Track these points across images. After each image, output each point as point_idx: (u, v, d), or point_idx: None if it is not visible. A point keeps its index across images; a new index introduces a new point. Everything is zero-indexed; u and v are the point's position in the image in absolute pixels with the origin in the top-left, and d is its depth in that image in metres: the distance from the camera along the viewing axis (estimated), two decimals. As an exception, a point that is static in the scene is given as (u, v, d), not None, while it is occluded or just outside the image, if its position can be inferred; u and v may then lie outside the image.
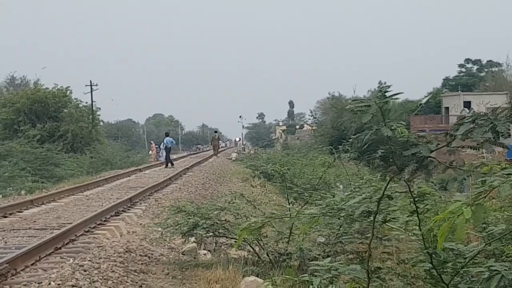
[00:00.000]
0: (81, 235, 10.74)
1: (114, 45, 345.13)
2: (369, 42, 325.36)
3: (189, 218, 8.94)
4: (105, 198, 16.86)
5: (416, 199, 4.52)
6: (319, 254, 7.66)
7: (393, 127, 4.05)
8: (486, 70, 74.01)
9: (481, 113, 3.92)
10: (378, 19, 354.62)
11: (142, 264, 8.83)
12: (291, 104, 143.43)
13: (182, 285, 7.83)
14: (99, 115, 58.89)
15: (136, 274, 8.19)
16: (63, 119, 51.64)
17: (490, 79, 67.81)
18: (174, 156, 50.53)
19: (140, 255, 9.37)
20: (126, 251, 9.29)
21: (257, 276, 7.31)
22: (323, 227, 8.03)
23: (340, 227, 7.78)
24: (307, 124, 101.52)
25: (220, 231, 8.98)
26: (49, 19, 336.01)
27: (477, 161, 4.36)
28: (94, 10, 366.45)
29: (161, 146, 34.00)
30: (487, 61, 75.24)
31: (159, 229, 10.85)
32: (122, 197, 16.39)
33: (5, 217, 13.60)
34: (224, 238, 9.79)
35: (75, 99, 55.92)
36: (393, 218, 5.23)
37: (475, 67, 75.43)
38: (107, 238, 10.64)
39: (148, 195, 17.72)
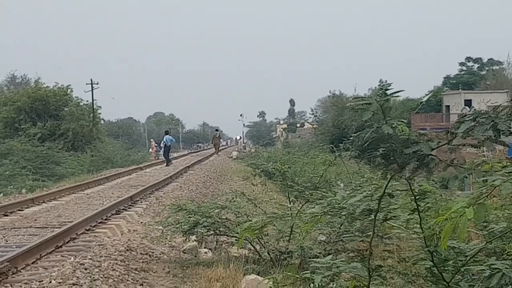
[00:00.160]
0: (82, 233, 10.73)
1: (115, 44, 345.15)
2: (370, 41, 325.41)
3: (190, 217, 8.94)
4: (106, 197, 16.86)
5: (417, 197, 4.52)
6: (320, 253, 7.66)
7: (393, 125, 4.04)
8: (487, 68, 73.95)
9: (482, 111, 3.91)
10: (379, 19, 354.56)
11: (143, 262, 8.83)
12: (292, 102, 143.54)
13: (183, 283, 7.83)
14: (100, 113, 58.93)
15: (137, 272, 8.19)
16: (64, 117, 51.66)
17: (491, 77, 67.76)
18: (175, 155, 50.60)
19: (141, 253, 9.37)
20: (127, 250, 9.29)
21: (258, 275, 7.31)
22: (324, 226, 8.03)
23: (341, 225, 7.79)
24: (308, 122, 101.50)
25: (221, 229, 8.98)
26: (49, 19, 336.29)
27: (478, 159, 4.35)
28: (94, 10, 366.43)
29: (161, 145, 34.01)
30: (488, 60, 75.19)
31: (160, 227, 10.86)
32: (123, 195, 16.38)
33: (6, 215, 13.60)
34: (225, 236, 9.80)
35: (76, 97, 56.02)
36: (394, 216, 5.23)
37: (476, 65, 75.33)
38: (108, 237, 10.64)
39: (149, 193, 17.72)
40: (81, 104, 55.87)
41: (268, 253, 8.25)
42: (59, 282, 7.10)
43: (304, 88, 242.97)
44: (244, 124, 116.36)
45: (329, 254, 7.17)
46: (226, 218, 9.07)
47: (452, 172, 4.08)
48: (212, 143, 52.45)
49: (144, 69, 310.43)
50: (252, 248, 8.66)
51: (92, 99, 57.09)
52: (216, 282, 7.55)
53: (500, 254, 4.81)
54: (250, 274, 7.29)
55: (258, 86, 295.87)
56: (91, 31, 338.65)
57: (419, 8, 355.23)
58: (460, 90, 61.87)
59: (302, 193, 10.69)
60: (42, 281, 7.26)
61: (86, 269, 7.69)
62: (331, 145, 13.02)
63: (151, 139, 61.08)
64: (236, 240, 9.18)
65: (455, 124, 4.01)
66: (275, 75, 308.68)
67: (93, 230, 11.23)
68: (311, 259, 6.40)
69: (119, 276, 7.71)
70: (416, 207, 4.56)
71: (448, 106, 59.34)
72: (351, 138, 4.61)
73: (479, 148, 4.11)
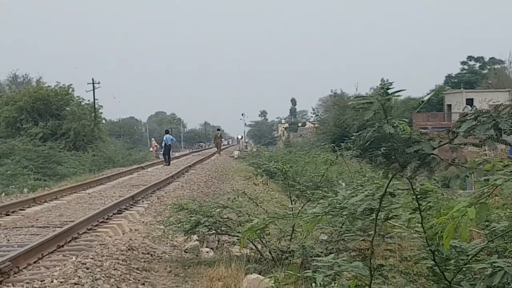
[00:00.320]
0: (83, 233, 10.74)
1: (116, 44, 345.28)
2: (371, 40, 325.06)
3: (191, 216, 8.95)
4: (107, 196, 16.86)
5: (418, 197, 4.51)
6: (321, 252, 7.65)
7: (395, 124, 4.04)
8: (488, 67, 73.88)
9: (484, 110, 3.91)
10: (380, 18, 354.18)
11: (144, 262, 8.83)
12: (293, 101, 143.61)
13: (184, 282, 7.83)
14: (101, 113, 59.06)
15: (138, 271, 8.20)
16: (65, 117, 51.73)
17: (493, 76, 67.69)
18: (176, 154, 50.65)
19: (143, 253, 9.38)
20: (129, 249, 9.30)
21: (260, 274, 7.30)
22: (326, 225, 8.03)
23: (343, 224, 7.78)
24: (309, 121, 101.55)
25: (223, 229, 8.98)
26: (49, 19, 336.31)
27: (480, 158, 4.35)
28: (94, 10, 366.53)
29: (162, 144, 34.06)
30: (490, 59, 75.13)
31: (162, 227, 10.86)
32: (124, 195, 16.38)
33: (8, 215, 13.61)
34: (227, 235, 9.79)
35: (77, 97, 56.08)
36: (396, 216, 5.23)
37: (478, 64, 75.28)
38: (109, 236, 10.65)
39: (151, 193, 17.72)
40: (83, 103, 55.93)
41: (270, 252, 8.25)
42: (61, 282, 7.11)
43: (305, 87, 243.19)
44: (245, 124, 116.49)
45: (330, 253, 7.16)
46: (228, 218, 9.07)
47: (454, 171, 4.08)
48: (214, 142, 52.44)
49: (146, 68, 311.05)
50: (254, 247, 8.66)
51: (94, 99, 57.24)
52: (217, 282, 7.54)
53: (502, 253, 4.80)
54: (251, 274, 7.28)
55: (259, 85, 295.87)
56: (92, 31, 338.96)
57: (420, 7, 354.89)
58: (461, 89, 61.82)
59: (304, 192, 10.69)
60: (44, 280, 7.27)
61: (87, 268, 7.70)
62: (333, 145, 13.01)
63: (152, 138, 61.13)
64: (237, 239, 9.19)
65: (457, 123, 4.00)
66: (277, 74, 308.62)
67: (95, 229, 11.24)
68: (313, 258, 6.40)
69: (120, 275, 7.72)
70: (417, 206, 4.55)
71: (449, 105, 59.30)
72: (352, 137, 4.61)
73: (481, 147, 4.10)
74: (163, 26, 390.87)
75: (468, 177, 4.01)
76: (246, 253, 8.78)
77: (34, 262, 8.47)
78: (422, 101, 59.14)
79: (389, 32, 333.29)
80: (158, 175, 24.31)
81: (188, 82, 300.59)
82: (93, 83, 57.95)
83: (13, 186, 29.65)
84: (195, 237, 9.89)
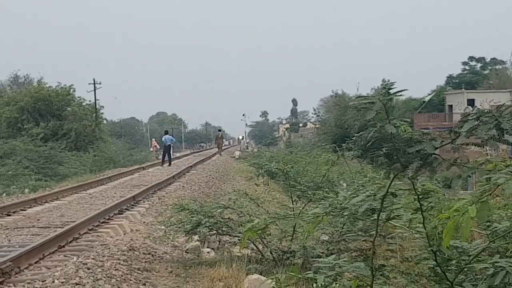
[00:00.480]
0: (84, 233, 10.75)
1: (117, 44, 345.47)
2: (372, 40, 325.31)
3: (192, 216, 8.94)
4: (108, 197, 16.87)
5: (420, 197, 4.50)
6: (322, 252, 7.65)
7: (397, 125, 4.03)
8: (489, 68, 73.80)
9: (486, 110, 3.90)
10: (381, 18, 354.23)
11: (145, 262, 8.83)
12: (294, 102, 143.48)
13: (185, 283, 7.83)
14: (102, 113, 59.12)
15: (139, 272, 8.19)
16: (66, 117, 51.77)
17: (494, 77, 67.62)
18: (178, 154, 50.66)
19: (144, 253, 9.37)
20: (130, 249, 9.30)
21: (261, 274, 7.30)
22: (327, 225, 8.02)
23: (344, 225, 7.78)
24: (311, 122, 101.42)
25: (224, 229, 8.97)
26: (49, 19, 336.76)
27: (481, 158, 4.34)
28: (95, 11, 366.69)
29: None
30: (491, 59, 75.06)
31: (163, 227, 10.86)
32: (125, 195, 16.39)
33: (9, 215, 13.62)
34: (228, 236, 9.79)
35: (78, 97, 56.13)
36: (397, 216, 5.22)
37: (479, 65, 75.19)
38: (110, 236, 10.65)
39: (152, 193, 17.73)
40: (84, 104, 55.93)
41: (271, 253, 8.24)
42: (62, 282, 7.11)
43: (306, 87, 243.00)
44: (246, 124, 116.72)
45: (332, 253, 7.16)
46: (229, 218, 9.07)
47: (455, 172, 4.07)
48: (215, 143, 52.41)
49: (146, 69, 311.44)
50: (255, 247, 8.65)
51: (95, 99, 57.28)
52: (218, 282, 7.54)
53: (503, 253, 4.79)
54: (252, 274, 7.28)
55: (260, 86, 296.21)
56: (92, 31, 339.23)
57: (421, 7, 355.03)
58: (463, 89, 61.74)
59: (305, 192, 10.68)
60: (45, 280, 7.27)
61: (89, 268, 7.70)
62: (334, 145, 12.98)
63: (153, 139, 61.17)
64: (238, 239, 9.18)
65: (459, 123, 4.00)
66: (278, 75, 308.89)
67: (96, 230, 11.24)
68: (314, 260, 6.39)
69: (122, 275, 7.71)
70: (419, 206, 4.55)
71: (451, 106, 59.24)
72: (353, 137, 4.60)
73: (483, 147, 4.09)
74: (164, 26, 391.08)
75: (470, 177, 4.00)
76: (247, 254, 8.77)
77: (35, 262, 8.48)
78: (423, 102, 59.13)
79: (390, 32, 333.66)
80: (159, 176, 24.32)
81: (189, 82, 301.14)
82: (94, 84, 58.02)
83: (14, 186, 29.67)
84: (196, 237, 9.89)
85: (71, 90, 54.99)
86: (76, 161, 42.40)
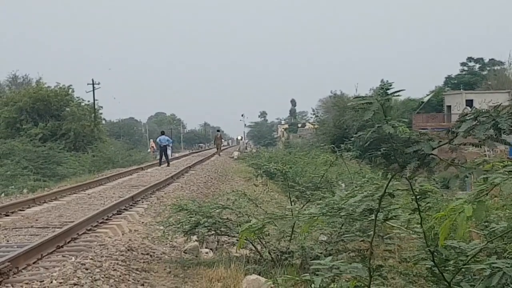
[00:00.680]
0: (83, 233, 10.74)
1: (116, 44, 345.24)
2: (371, 41, 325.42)
3: (191, 217, 8.95)
4: (107, 197, 16.87)
5: (417, 197, 4.51)
6: (321, 253, 7.65)
7: (394, 125, 4.03)
8: (488, 68, 73.83)
9: (483, 110, 3.90)
10: (380, 19, 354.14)
11: (144, 262, 8.83)
12: (293, 102, 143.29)
13: (184, 283, 7.83)
14: (101, 113, 59.07)
15: (138, 272, 8.19)
16: (65, 117, 51.73)
17: (492, 77, 67.65)
18: (176, 155, 50.69)
19: (142, 253, 9.38)
20: (128, 250, 9.30)
21: (259, 275, 7.31)
22: (325, 226, 8.02)
23: (342, 225, 7.78)
24: (309, 122, 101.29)
25: (222, 229, 8.98)
26: (49, 18, 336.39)
27: (479, 159, 4.34)
28: (96, 11, 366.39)
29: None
30: (489, 60, 75.08)
31: (161, 227, 10.86)
32: (124, 195, 16.38)
33: (7, 215, 13.61)
34: (226, 236, 9.80)
35: (77, 97, 56.09)
36: (395, 216, 5.22)
37: (477, 65, 75.21)
38: (109, 237, 10.64)
39: (150, 193, 17.72)
40: (83, 104, 55.89)
41: (269, 253, 8.25)
42: (60, 282, 7.11)
43: (305, 88, 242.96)
44: (245, 124, 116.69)
45: (330, 254, 7.17)
46: (227, 218, 9.07)
47: (453, 172, 4.07)
48: (214, 143, 52.33)
49: (145, 69, 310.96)
50: (253, 248, 8.66)
51: (94, 99, 57.23)
52: (217, 282, 7.55)
53: (501, 254, 4.80)
54: (251, 274, 7.29)
55: (259, 86, 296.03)
56: (92, 32, 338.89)
57: (419, 8, 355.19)
58: (461, 90, 61.76)
59: (303, 193, 10.69)
60: (43, 281, 7.27)
61: (87, 269, 7.70)
62: (332, 145, 12.99)
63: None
64: (237, 240, 9.17)
65: (456, 123, 4.00)
66: (277, 75, 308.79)
67: (94, 230, 11.24)
68: (312, 262, 6.40)
69: (120, 276, 7.71)
70: (417, 206, 4.55)
71: (449, 106, 59.27)
72: (352, 138, 4.60)
73: (480, 147, 4.09)
74: (163, 26, 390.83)
75: (467, 177, 4.01)
76: (246, 254, 8.78)
77: (34, 263, 8.47)
78: (422, 102, 59.17)
79: (389, 33, 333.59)
80: (158, 176, 24.31)
81: (188, 82, 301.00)
82: (93, 84, 57.97)
83: (13, 186, 29.65)
84: (194, 237, 9.89)
85: (70, 90, 54.99)
86: (75, 162, 42.38)
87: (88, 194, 18.01)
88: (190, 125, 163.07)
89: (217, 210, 8.94)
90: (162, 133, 33.96)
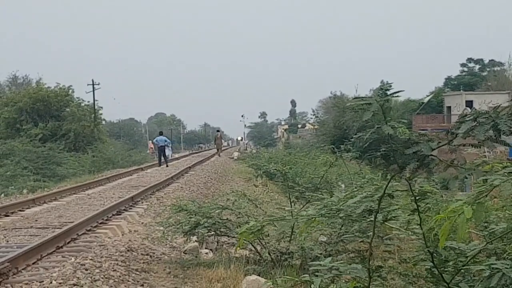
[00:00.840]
0: (82, 234, 10.74)
1: (116, 45, 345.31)
2: (371, 42, 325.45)
3: (190, 217, 8.95)
4: (107, 197, 16.86)
5: (417, 198, 4.51)
6: (320, 253, 7.65)
7: (394, 126, 4.04)
8: (488, 69, 73.79)
9: (483, 111, 3.91)
10: (380, 19, 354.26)
11: (143, 263, 8.83)
12: (293, 103, 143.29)
13: (183, 284, 7.83)
14: (101, 114, 59.05)
15: (137, 273, 8.19)
16: (65, 118, 51.75)
17: (492, 78, 67.62)
18: (176, 155, 50.66)
19: (142, 254, 9.37)
20: (128, 250, 9.30)
21: (259, 275, 7.31)
22: (325, 226, 8.03)
23: (342, 226, 7.78)
24: (309, 123, 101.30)
25: (222, 230, 8.98)
26: (49, 18, 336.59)
27: (479, 160, 4.35)
28: (96, 12, 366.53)
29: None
30: (489, 61, 75.04)
31: (161, 228, 10.86)
32: (124, 196, 16.38)
33: (7, 216, 13.61)
34: (226, 237, 9.80)
35: (77, 98, 56.10)
36: (394, 217, 5.23)
37: (477, 66, 75.19)
38: (108, 237, 10.64)
39: (150, 194, 17.72)
40: (83, 104, 55.91)
41: (269, 254, 8.25)
42: (60, 283, 7.11)
43: (305, 88, 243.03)
44: (245, 125, 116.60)
45: (329, 255, 7.17)
46: (227, 219, 9.07)
47: (453, 173, 4.07)
48: (214, 143, 52.20)
49: (145, 70, 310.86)
50: (253, 248, 8.66)
51: (94, 100, 57.24)
52: (217, 283, 7.55)
53: (500, 255, 4.80)
54: (251, 275, 7.29)
55: (259, 86, 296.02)
56: (92, 33, 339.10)
57: (419, 9, 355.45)
58: (461, 91, 61.76)
59: (303, 194, 10.68)
60: (43, 281, 7.26)
61: (86, 269, 7.69)
62: (332, 146, 12.99)
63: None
64: (237, 240, 9.18)
65: (456, 124, 4.00)
66: (277, 75, 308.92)
67: (94, 230, 11.23)
68: (312, 263, 6.40)
69: (120, 276, 7.71)
70: (416, 207, 4.55)
71: (449, 107, 59.24)
72: (352, 139, 4.60)
73: (480, 147, 4.10)
74: (164, 26, 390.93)
75: (467, 178, 4.01)
76: (246, 255, 8.78)
77: (33, 263, 8.46)
78: (422, 103, 59.16)
79: (389, 34, 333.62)
80: (158, 176, 24.31)
81: (188, 82, 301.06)
82: (93, 84, 57.98)
83: (13, 187, 29.67)
84: (194, 238, 9.89)
85: (70, 90, 55.02)
86: (75, 162, 42.39)
87: (88, 195, 18.01)
88: (190, 126, 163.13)
89: (217, 211, 8.95)
90: (160, 134, 33.93)
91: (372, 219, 4.64)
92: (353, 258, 7.02)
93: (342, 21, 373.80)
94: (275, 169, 11.94)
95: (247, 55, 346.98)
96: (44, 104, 51.71)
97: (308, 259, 7.58)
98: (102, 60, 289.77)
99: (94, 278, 7.37)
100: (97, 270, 7.71)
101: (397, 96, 4.31)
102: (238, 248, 7.02)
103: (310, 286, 4.33)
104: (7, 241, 10.33)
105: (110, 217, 12.73)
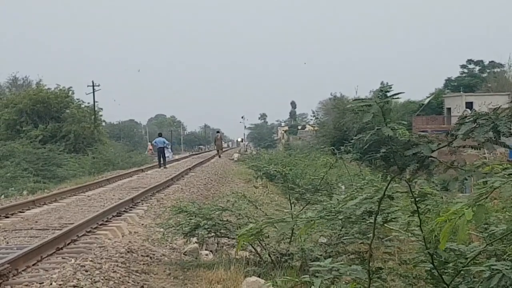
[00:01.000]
0: (82, 235, 10.74)
1: (116, 46, 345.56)
2: (371, 43, 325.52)
3: (190, 219, 8.95)
4: (107, 199, 16.87)
5: (417, 199, 4.51)
6: (320, 255, 7.65)
7: (393, 127, 4.04)
8: (488, 71, 73.80)
9: (483, 113, 3.91)
10: (380, 19, 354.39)
11: (143, 264, 8.83)
12: (293, 104, 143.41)
13: (183, 285, 7.83)
14: (101, 115, 59.01)
15: (137, 274, 8.19)
16: (65, 119, 51.73)
17: (492, 80, 67.63)
18: (176, 157, 50.65)
19: (142, 255, 9.37)
20: (128, 252, 9.30)
21: (259, 277, 7.30)
22: (325, 228, 8.03)
23: (342, 227, 7.78)
24: (309, 124, 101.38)
25: (222, 231, 8.98)
26: (49, 18, 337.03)
27: (479, 161, 4.35)
28: (96, 12, 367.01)
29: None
30: (489, 62, 75.06)
31: (161, 229, 10.86)
32: (124, 197, 16.38)
33: (7, 217, 13.61)
34: (226, 238, 9.79)
35: (77, 99, 56.06)
36: (394, 219, 5.23)
37: (477, 68, 75.22)
38: (109, 239, 10.64)
39: (150, 195, 17.72)
40: (83, 106, 55.89)
41: (269, 255, 8.25)
42: (60, 284, 7.11)
43: (305, 88, 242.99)
44: (245, 126, 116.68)
45: (330, 256, 7.16)
46: (227, 220, 9.08)
47: (453, 174, 4.07)
48: (215, 144, 52.07)
49: (146, 69, 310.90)
50: (253, 250, 8.66)
51: (94, 101, 57.23)
52: (217, 284, 7.55)
53: (500, 256, 4.80)
54: (251, 276, 7.29)
55: (259, 86, 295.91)
56: (92, 34, 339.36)
57: (419, 10, 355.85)
58: (461, 92, 61.79)
59: (303, 195, 10.68)
60: (43, 283, 7.27)
61: (86, 271, 7.70)
62: (332, 147, 13.00)
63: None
64: (237, 242, 9.18)
65: (456, 126, 4.00)
66: (277, 75, 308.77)
67: (94, 232, 11.24)
68: (311, 263, 6.40)
69: (120, 278, 7.71)
70: (416, 209, 4.55)
71: (449, 109, 59.26)
72: (352, 140, 4.61)
73: (480, 149, 4.10)
74: (164, 26, 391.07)
75: (467, 179, 4.01)
76: (246, 256, 8.78)
77: (33, 265, 8.47)
78: (422, 104, 59.17)
79: (389, 34, 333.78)
80: (158, 178, 24.31)
81: (188, 83, 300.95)
82: (93, 86, 57.99)
83: (13, 188, 29.66)
84: (194, 239, 9.89)
85: (70, 92, 54.97)
86: (75, 163, 42.37)
87: (88, 196, 18.01)
88: (190, 127, 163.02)
89: (217, 212, 8.95)
90: (160, 135, 33.95)
91: (372, 220, 4.65)
92: (353, 260, 7.03)
93: (342, 21, 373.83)
94: (275, 171, 11.94)
95: (247, 55, 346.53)
96: (44, 105, 51.70)
97: (308, 260, 7.58)
98: (102, 60, 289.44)
99: (94, 279, 7.37)
100: (97, 272, 7.71)
101: (397, 98, 4.31)
102: (238, 250, 7.03)
103: (310, 287, 4.33)
104: (7, 243, 10.34)
105: (110, 219, 12.73)
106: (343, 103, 56.01)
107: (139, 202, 15.95)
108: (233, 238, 9.22)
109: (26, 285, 7.28)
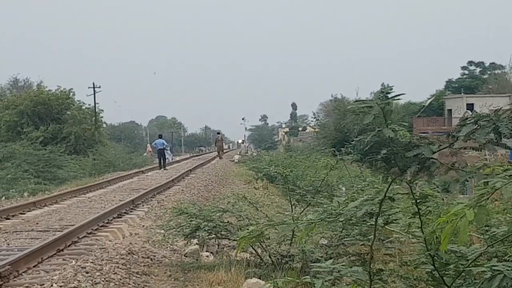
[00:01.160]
0: (83, 237, 10.74)
1: (116, 47, 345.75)
2: (371, 45, 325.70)
3: (191, 220, 8.94)
4: (107, 200, 16.87)
5: (418, 201, 4.51)
6: (321, 256, 7.64)
7: (394, 129, 4.04)
8: (489, 72, 73.81)
9: (484, 114, 3.91)
10: (380, 19, 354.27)
11: (144, 266, 8.83)
12: (294, 106, 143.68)
13: (184, 287, 7.83)
14: (102, 117, 59.12)
15: (138, 276, 8.19)
16: (66, 121, 51.81)
17: (493, 81, 67.62)
18: (177, 158, 50.66)
19: (143, 257, 9.37)
20: (129, 253, 9.29)
21: (260, 278, 7.30)
22: (326, 229, 8.02)
23: (343, 229, 7.77)
24: (310, 126, 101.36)
25: (223, 233, 8.98)
26: (49, 18, 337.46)
27: (480, 162, 4.34)
28: (95, 13, 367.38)
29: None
30: (490, 63, 75.07)
31: (162, 231, 10.86)
32: (124, 199, 16.39)
33: (8, 219, 13.61)
34: (227, 240, 9.79)
35: (78, 101, 56.14)
36: (395, 220, 5.23)
37: (478, 69, 75.22)
38: (109, 240, 10.64)
39: (151, 197, 17.72)
40: (83, 107, 55.97)
41: (270, 257, 8.24)
42: (61, 286, 7.11)
43: (305, 88, 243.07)
44: (246, 128, 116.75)
45: (330, 257, 7.15)
46: (228, 222, 9.07)
47: (454, 176, 4.07)
48: (215, 145, 51.97)
49: (146, 69, 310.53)
50: (254, 251, 8.65)
51: (94, 103, 57.32)
52: (217, 286, 7.54)
53: (501, 258, 4.79)
54: (251, 278, 7.28)
55: (259, 86, 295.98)
56: (92, 34, 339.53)
57: (420, 8, 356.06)
58: (462, 94, 61.78)
59: (304, 196, 10.68)
60: (44, 284, 7.27)
61: (87, 272, 7.70)
62: (333, 149, 13.00)
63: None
64: (238, 243, 9.17)
65: (457, 127, 4.00)
66: (277, 75, 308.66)
67: (95, 233, 11.24)
68: (312, 264, 6.39)
69: (120, 279, 7.71)
70: (417, 210, 4.55)
71: (450, 110, 59.26)
72: (353, 142, 4.60)
73: (480, 151, 4.10)
74: (164, 26, 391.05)
75: (467, 181, 4.01)
76: (246, 258, 8.78)
77: (34, 266, 8.47)
78: (423, 106, 59.17)
79: (389, 34, 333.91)
80: (158, 179, 24.31)
81: (188, 83, 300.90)
82: (93, 87, 58.09)
83: (14, 190, 29.66)
84: (195, 241, 9.89)
85: (71, 93, 55.09)
86: (76, 165, 42.43)
87: (89, 198, 18.02)
88: (191, 129, 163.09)
89: (218, 214, 8.95)
90: (160, 137, 33.94)
91: (373, 222, 4.64)
92: (354, 261, 7.03)
93: (342, 21, 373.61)
94: (276, 172, 11.97)
95: (247, 55, 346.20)
96: (45, 107, 51.78)
97: (309, 262, 7.57)
98: (102, 60, 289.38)
99: (95, 281, 7.37)
100: (98, 273, 7.71)
101: (398, 99, 4.30)
102: (238, 252, 7.02)
103: (311, 289, 4.33)
104: (8, 244, 10.34)
105: (111, 220, 12.73)
106: (344, 104, 56.01)
107: (140, 204, 15.95)
108: (234, 240, 9.22)
109: (27, 287, 7.29)
